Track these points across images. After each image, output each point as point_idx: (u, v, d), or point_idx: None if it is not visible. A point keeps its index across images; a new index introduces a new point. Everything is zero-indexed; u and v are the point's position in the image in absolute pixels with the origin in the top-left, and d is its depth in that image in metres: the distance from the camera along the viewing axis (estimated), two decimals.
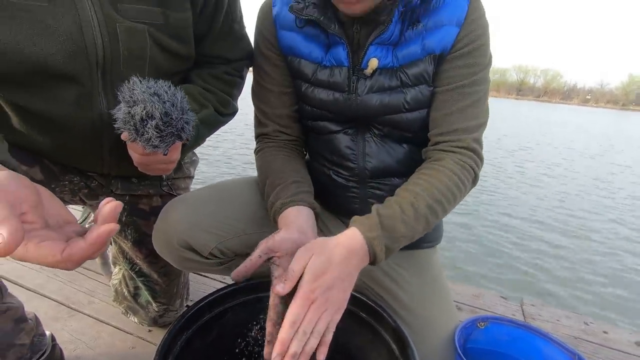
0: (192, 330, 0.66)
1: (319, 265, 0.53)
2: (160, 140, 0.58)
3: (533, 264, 3.21)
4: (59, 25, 0.57)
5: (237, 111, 0.85)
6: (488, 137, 10.58)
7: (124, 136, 0.60)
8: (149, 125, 0.56)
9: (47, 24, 0.56)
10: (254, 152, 0.83)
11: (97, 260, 1.18)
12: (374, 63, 0.67)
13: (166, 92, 0.58)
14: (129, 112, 0.56)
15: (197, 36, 0.74)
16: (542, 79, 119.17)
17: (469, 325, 0.79)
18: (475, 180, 0.71)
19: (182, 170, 0.95)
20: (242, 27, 0.83)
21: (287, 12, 0.71)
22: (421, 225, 0.62)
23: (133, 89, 0.57)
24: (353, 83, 0.70)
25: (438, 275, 0.85)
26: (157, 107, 0.56)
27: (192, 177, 1.02)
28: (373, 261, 0.59)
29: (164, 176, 0.90)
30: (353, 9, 0.62)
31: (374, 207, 0.63)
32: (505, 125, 16.59)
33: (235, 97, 0.84)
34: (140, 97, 0.56)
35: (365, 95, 0.70)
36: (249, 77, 0.86)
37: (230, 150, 6.07)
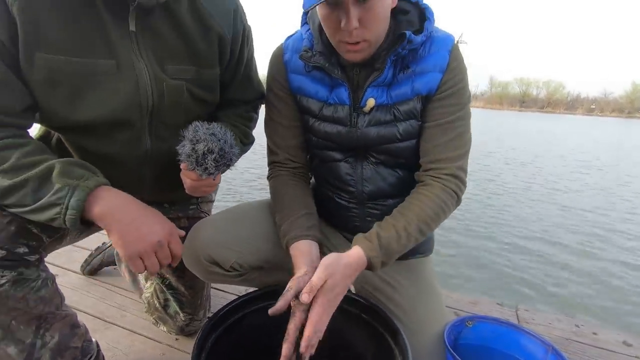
0: (219, 331, 0.79)
1: (334, 282, 0.69)
2: (215, 169, 0.75)
3: (533, 274, 3.27)
4: (124, 87, 0.73)
5: (254, 141, 1.02)
6: (491, 150, 10.62)
7: (184, 166, 0.77)
8: (208, 159, 0.73)
9: (115, 88, 0.73)
10: (267, 178, 0.97)
11: (127, 278, 1.31)
12: (371, 102, 0.81)
13: (220, 132, 0.76)
14: (193, 148, 0.73)
15: (222, 85, 0.91)
16: (544, 90, 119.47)
17: (458, 324, 0.90)
18: (458, 202, 0.85)
19: (206, 196, 1.10)
20: (257, 73, 1.01)
21: (297, 59, 0.85)
22: (411, 243, 0.78)
23: (196, 130, 0.75)
24: (354, 118, 0.84)
25: (430, 280, 0.97)
26: (215, 144, 0.74)
27: (213, 201, 1.18)
28: (370, 269, 0.75)
29: (193, 200, 1.05)
30: (356, 58, 0.77)
31: (375, 228, 0.78)
32: (509, 138, 16.65)
33: (252, 129, 1.02)
34: (202, 136, 0.74)
35: (364, 129, 0.84)
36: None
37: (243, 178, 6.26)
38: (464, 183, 0.84)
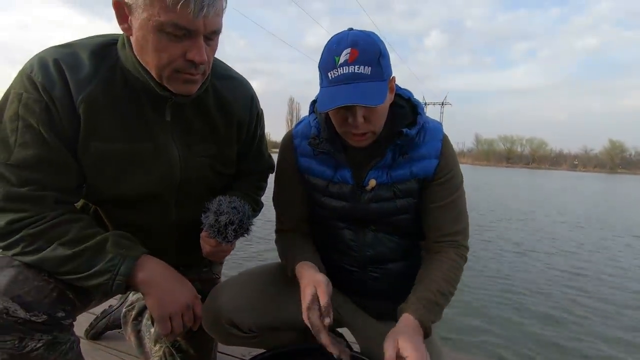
0: None
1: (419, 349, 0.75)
2: (234, 238, 0.85)
3: (537, 335, 3.22)
4: (159, 166, 0.86)
5: (263, 207, 1.13)
6: (486, 209, 10.61)
7: (205, 234, 0.87)
8: (229, 229, 0.84)
9: (152, 167, 0.85)
10: (275, 242, 1.07)
11: (134, 342, 1.33)
12: (372, 183, 0.93)
13: (239, 206, 0.87)
14: (216, 219, 0.84)
15: (237, 158, 1.04)
16: (528, 147, 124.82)
17: None
18: (465, 262, 0.96)
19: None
20: (267, 148, 1.15)
21: (305, 144, 0.98)
22: (447, 303, 0.89)
23: (220, 204, 0.86)
24: (357, 195, 0.95)
25: (435, 346, 1.01)
26: (236, 217, 0.85)
27: (222, 263, 1.25)
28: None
29: (205, 262, 1.13)
30: (360, 144, 0.89)
31: (418, 305, 0.85)
32: (501, 194, 16.99)
33: (261, 197, 1.14)
34: (225, 209, 0.85)
35: (367, 205, 0.94)
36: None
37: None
38: (468, 248, 0.97)
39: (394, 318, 0.96)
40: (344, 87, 0.79)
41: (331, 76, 0.81)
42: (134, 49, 0.77)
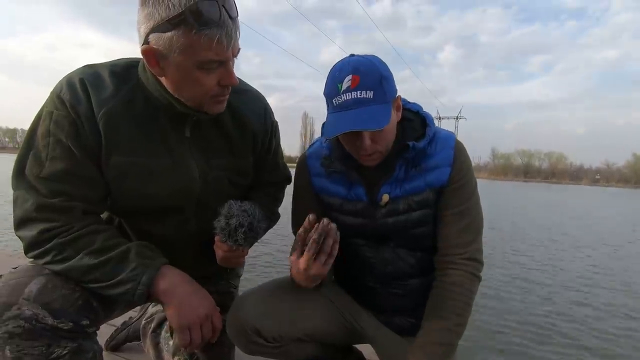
0: None
1: None
2: (244, 241, 0.87)
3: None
4: (177, 179, 0.89)
5: (279, 217, 1.14)
6: (509, 227, 9.90)
7: (218, 238, 0.89)
8: (239, 231, 0.86)
9: (170, 179, 0.88)
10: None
11: (152, 354, 1.34)
12: (385, 198, 0.94)
13: (250, 209, 0.89)
14: (227, 222, 0.86)
15: (253, 170, 1.06)
16: (546, 161, 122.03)
17: None
18: (479, 280, 0.93)
19: (235, 271, 1.19)
20: (282, 158, 1.18)
21: (318, 165, 1.00)
22: (457, 343, 0.88)
23: (230, 207, 0.88)
24: (372, 211, 0.95)
25: None
26: (246, 219, 0.86)
27: (240, 275, 1.26)
28: None
29: (223, 275, 1.14)
30: (371, 163, 0.91)
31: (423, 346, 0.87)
32: (517, 211, 16.50)
33: (277, 207, 1.15)
34: (235, 212, 0.87)
35: (382, 220, 0.95)
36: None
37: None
38: (481, 263, 0.93)
39: (416, 334, 0.95)
40: (348, 113, 0.81)
41: (335, 102, 0.83)
42: (167, 87, 0.81)
